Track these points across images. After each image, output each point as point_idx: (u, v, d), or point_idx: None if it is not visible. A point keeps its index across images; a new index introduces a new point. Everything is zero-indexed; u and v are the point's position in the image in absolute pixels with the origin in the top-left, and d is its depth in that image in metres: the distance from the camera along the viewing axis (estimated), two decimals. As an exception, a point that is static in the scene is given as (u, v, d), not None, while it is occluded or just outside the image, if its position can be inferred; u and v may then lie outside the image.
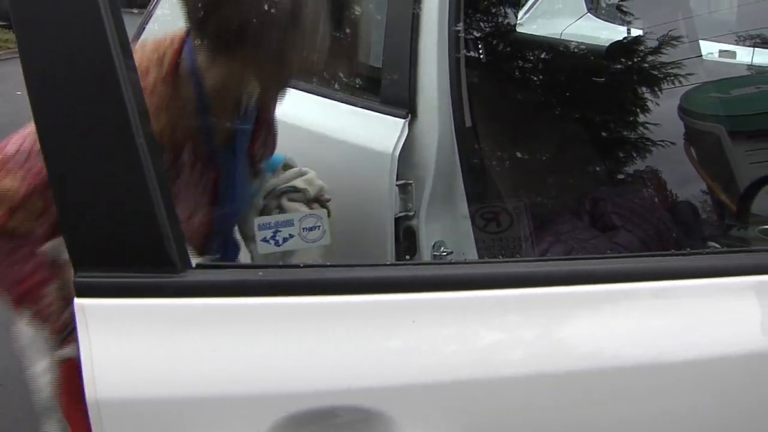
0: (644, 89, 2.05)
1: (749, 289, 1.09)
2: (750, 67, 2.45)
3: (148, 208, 0.92)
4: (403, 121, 1.69)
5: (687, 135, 2.03)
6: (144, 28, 3.27)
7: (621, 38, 2.36)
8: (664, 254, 1.26)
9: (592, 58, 2.44)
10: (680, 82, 2.01)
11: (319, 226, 0.96)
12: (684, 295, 1.07)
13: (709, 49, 2.68)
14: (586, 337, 1.04)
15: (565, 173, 2.02)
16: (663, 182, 2.04)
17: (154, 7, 3.29)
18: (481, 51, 2.21)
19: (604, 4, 3.32)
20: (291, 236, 0.95)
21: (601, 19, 3.24)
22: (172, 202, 0.93)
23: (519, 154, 2.03)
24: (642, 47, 2.12)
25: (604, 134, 2.18)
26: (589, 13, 3.32)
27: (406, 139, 1.66)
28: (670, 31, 2.14)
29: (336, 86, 2.06)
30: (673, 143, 2.04)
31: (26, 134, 1.22)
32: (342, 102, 1.96)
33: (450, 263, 1.16)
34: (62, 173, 0.93)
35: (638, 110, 2.09)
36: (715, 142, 1.94)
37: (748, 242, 1.64)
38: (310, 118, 1.97)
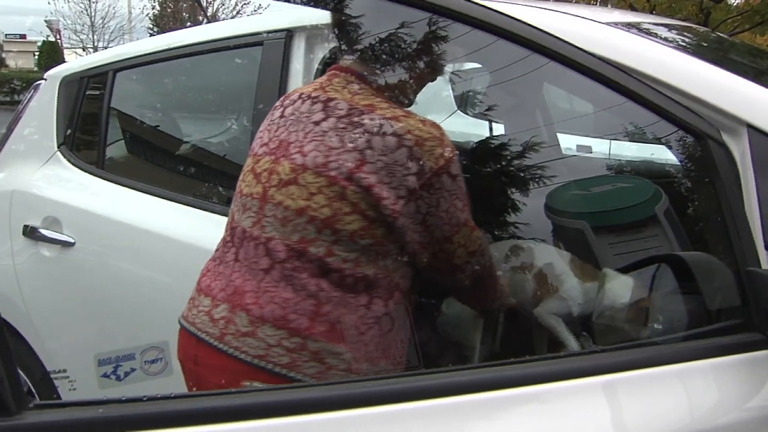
0: (510, 189, 2.12)
1: (600, 387, 1.12)
2: (607, 162, 2.57)
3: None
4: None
5: (554, 231, 2.09)
6: (11, 131, 3.16)
7: (485, 137, 2.44)
8: (532, 359, 1.30)
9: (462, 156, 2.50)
10: (545, 182, 2.08)
11: (161, 359, 0.92)
12: (556, 397, 1.14)
13: (567, 143, 2.80)
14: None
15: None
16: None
17: (24, 108, 3.19)
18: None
19: (470, 108, 3.42)
20: (133, 370, 0.91)
21: (470, 116, 3.34)
22: (7, 342, 0.87)
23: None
24: (505, 150, 2.19)
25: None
26: (459, 111, 3.42)
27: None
28: (533, 136, 2.22)
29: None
30: (542, 240, 2.10)
31: None
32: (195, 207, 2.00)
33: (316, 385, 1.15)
34: None
35: (507, 209, 2.15)
36: (581, 237, 2.02)
37: (612, 329, 1.71)
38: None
